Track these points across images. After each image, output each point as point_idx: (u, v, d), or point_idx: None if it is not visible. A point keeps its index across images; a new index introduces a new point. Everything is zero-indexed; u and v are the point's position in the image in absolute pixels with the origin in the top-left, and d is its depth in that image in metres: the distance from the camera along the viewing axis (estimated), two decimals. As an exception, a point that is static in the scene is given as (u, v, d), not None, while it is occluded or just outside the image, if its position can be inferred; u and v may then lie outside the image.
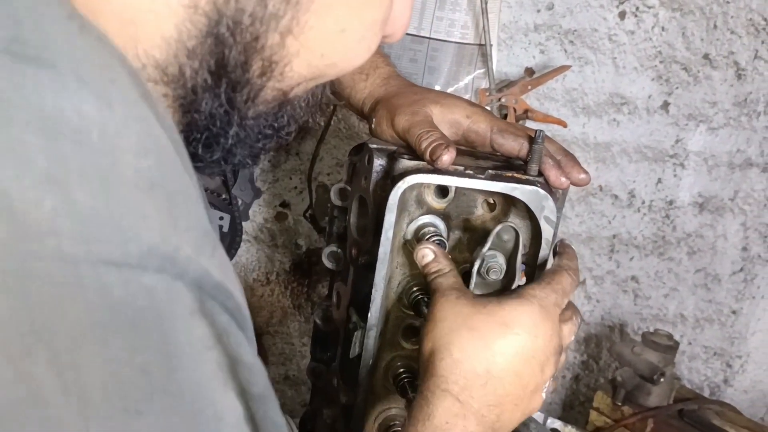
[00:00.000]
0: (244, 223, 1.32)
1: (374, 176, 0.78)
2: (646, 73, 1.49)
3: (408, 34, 1.32)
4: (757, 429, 1.34)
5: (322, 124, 1.35)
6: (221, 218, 1.26)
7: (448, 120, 0.80)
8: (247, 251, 1.42)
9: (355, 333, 0.80)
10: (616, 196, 1.57)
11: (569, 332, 0.70)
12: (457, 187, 0.78)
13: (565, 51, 1.42)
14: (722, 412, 1.38)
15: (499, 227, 0.74)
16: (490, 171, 0.74)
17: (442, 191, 0.79)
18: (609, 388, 1.42)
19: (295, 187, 1.40)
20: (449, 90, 1.35)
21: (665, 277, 1.67)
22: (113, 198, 0.33)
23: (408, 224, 0.79)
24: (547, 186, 0.75)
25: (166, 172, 0.36)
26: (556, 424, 1.38)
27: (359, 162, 0.82)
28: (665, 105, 1.52)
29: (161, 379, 0.34)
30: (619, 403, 1.38)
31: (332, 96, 0.90)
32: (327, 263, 0.89)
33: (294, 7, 0.47)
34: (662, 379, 1.33)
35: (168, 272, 0.34)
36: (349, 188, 0.85)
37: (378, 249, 0.75)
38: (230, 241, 1.29)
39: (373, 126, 0.82)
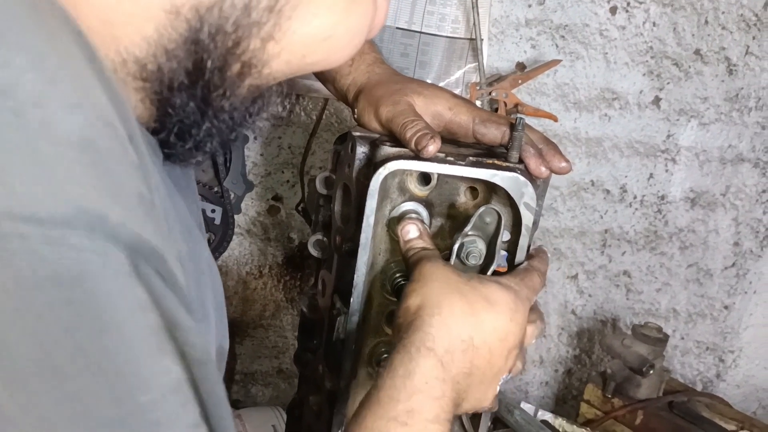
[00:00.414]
0: (236, 216, 1.33)
1: (357, 164, 0.78)
2: (637, 69, 1.49)
3: (399, 28, 1.33)
4: (745, 420, 1.35)
5: (314, 118, 1.36)
6: (213, 210, 1.27)
7: (430, 112, 0.81)
8: (239, 244, 1.43)
9: (339, 318, 0.81)
10: (607, 191, 1.58)
11: (531, 334, 0.72)
12: (439, 175, 0.78)
13: (557, 46, 1.43)
14: (712, 404, 1.39)
15: (482, 209, 0.75)
16: (470, 158, 0.75)
17: (425, 178, 0.80)
18: (599, 380, 1.43)
19: (288, 181, 1.41)
20: (441, 84, 1.36)
21: (657, 272, 1.68)
22: (38, 155, 0.32)
23: (390, 211, 0.80)
24: (528, 173, 0.76)
25: (98, 131, 0.35)
26: (547, 416, 1.38)
27: (343, 150, 0.83)
28: (656, 100, 1.53)
29: (86, 339, 0.33)
30: (609, 396, 1.39)
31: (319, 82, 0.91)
32: (313, 251, 0.90)
33: (277, 15, 0.47)
34: (651, 372, 1.33)
35: (98, 232, 0.33)
36: (333, 177, 0.86)
37: (360, 235, 0.76)
38: (222, 234, 1.30)
39: (355, 116, 0.83)
